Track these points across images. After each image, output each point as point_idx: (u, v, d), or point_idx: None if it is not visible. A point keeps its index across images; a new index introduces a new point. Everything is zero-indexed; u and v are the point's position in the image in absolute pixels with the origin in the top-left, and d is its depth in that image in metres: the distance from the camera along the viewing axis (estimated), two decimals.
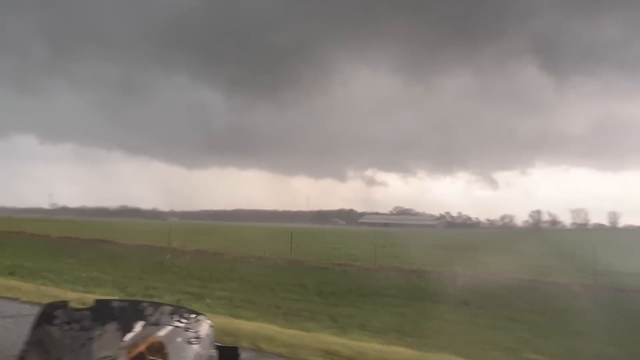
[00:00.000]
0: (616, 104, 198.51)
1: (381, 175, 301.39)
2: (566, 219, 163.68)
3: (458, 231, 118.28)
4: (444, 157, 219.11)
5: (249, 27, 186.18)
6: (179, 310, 1.22)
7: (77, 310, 1.16)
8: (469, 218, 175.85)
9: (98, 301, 1.19)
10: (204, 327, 1.22)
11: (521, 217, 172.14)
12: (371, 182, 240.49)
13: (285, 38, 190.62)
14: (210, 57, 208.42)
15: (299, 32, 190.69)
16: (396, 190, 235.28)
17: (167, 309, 1.21)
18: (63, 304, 1.17)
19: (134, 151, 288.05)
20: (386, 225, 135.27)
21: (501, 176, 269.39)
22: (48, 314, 1.14)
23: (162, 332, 1.16)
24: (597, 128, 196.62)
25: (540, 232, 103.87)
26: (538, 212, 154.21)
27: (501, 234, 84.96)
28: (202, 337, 1.19)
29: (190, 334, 1.18)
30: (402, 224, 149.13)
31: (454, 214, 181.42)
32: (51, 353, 1.07)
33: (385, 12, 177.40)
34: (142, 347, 1.10)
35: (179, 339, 1.17)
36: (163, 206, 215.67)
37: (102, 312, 1.15)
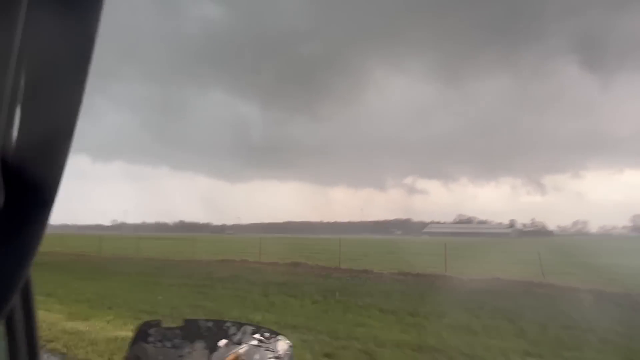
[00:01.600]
0: None
1: (422, 183, 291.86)
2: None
3: (536, 239, 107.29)
4: (487, 162, 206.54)
5: (280, 39, 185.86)
6: (259, 330, 1.27)
7: (169, 329, 1.24)
8: (543, 226, 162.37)
9: (187, 321, 1.28)
10: (283, 347, 1.25)
11: (595, 222, 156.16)
12: (412, 190, 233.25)
13: (317, 49, 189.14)
14: (243, 71, 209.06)
15: (331, 43, 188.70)
16: (437, 197, 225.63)
17: (249, 328, 1.27)
18: (156, 323, 1.26)
19: (179, 167, 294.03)
20: (453, 234, 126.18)
21: (550, 180, 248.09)
22: (143, 332, 1.23)
23: (244, 350, 1.20)
24: None
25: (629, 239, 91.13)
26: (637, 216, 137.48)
27: (593, 242, 73.64)
28: (281, 356, 1.23)
29: (269, 353, 1.23)
30: (471, 232, 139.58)
31: (524, 220, 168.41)
32: None
33: (418, 19, 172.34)
34: None
35: (259, 357, 1.21)
36: (215, 220, 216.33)
37: (191, 331, 1.24)
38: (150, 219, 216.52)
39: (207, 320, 1.30)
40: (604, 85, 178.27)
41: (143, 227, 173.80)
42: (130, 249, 33.00)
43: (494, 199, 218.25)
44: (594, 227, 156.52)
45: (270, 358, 1.22)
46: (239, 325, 1.28)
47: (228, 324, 1.28)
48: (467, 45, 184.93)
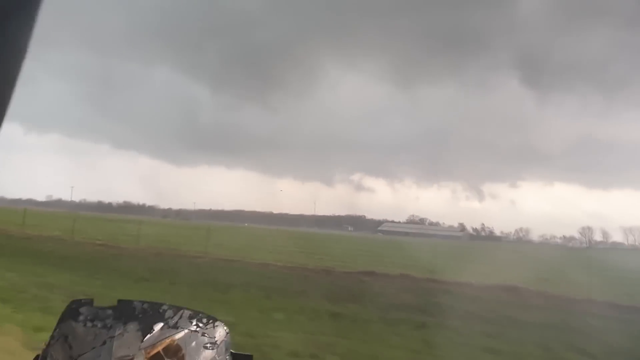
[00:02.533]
0: (595, 123, 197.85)
1: (368, 181, 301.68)
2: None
3: (488, 244, 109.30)
4: (431, 166, 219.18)
5: (233, 23, 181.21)
6: (197, 315, 1.23)
7: (101, 308, 1.17)
8: (491, 231, 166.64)
9: (121, 301, 1.20)
10: (220, 333, 1.22)
11: (536, 231, 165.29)
12: (358, 187, 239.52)
13: (271, 38, 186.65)
14: (193, 51, 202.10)
15: (285, 34, 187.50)
16: (383, 196, 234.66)
17: (187, 313, 1.22)
18: (88, 302, 1.19)
19: (121, 145, 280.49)
20: (406, 234, 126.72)
21: (488, 187, 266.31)
22: (74, 310, 1.16)
23: (180, 335, 1.16)
24: (579, 145, 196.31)
25: (575, 250, 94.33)
26: (589, 228, 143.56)
27: (548, 250, 75.40)
28: (217, 342, 1.20)
29: (206, 338, 1.19)
30: (424, 234, 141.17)
31: (474, 225, 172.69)
32: (73, 348, 1.09)
33: (372, 21, 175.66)
34: (159, 348, 1.11)
35: (195, 343, 1.17)
36: (161, 204, 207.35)
37: (124, 312, 1.17)
38: (92, 197, 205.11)
39: (143, 302, 1.22)
40: (539, 103, 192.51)
41: (83, 205, 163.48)
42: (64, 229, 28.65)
43: (435, 202, 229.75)
44: (534, 236, 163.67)
45: (206, 344, 1.18)
46: (177, 309, 1.22)
47: (165, 307, 1.21)
48: (418, 51, 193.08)
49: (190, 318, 1.20)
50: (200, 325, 1.20)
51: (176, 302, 1.24)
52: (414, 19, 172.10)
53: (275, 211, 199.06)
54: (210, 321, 1.23)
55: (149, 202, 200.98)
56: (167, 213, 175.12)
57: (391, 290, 14.97)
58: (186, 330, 1.17)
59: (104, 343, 1.09)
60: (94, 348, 1.08)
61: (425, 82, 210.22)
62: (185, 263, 19.21)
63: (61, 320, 1.15)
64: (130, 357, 1.07)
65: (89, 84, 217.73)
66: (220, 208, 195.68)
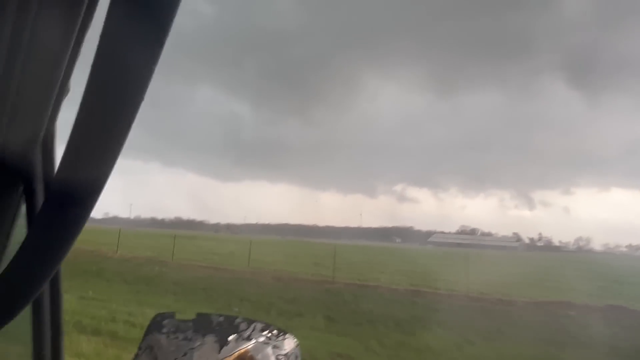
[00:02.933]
0: None
1: (412, 191, 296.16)
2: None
3: (548, 255, 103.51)
4: (477, 173, 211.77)
5: (270, 39, 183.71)
6: (268, 327, 1.26)
7: (182, 321, 1.23)
8: (549, 241, 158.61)
9: (199, 314, 1.26)
10: (291, 345, 1.25)
11: (597, 239, 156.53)
12: (402, 197, 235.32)
13: (308, 52, 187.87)
14: (233, 69, 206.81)
15: (321, 47, 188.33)
16: (427, 206, 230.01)
17: (259, 325, 1.25)
18: (170, 315, 1.25)
19: (170, 163, 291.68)
20: (459, 245, 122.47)
21: (538, 195, 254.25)
22: (157, 323, 1.22)
23: (252, 346, 1.20)
24: (636, 148, 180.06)
25: None
26: None
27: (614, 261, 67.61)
28: (288, 354, 1.23)
29: (277, 350, 1.22)
30: (477, 244, 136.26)
31: (531, 235, 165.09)
32: (159, 359, 1.16)
33: (408, 28, 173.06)
34: (233, 358, 1.17)
35: (267, 354, 1.21)
36: (210, 219, 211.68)
37: (202, 325, 1.22)
38: (145, 214, 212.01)
39: (219, 315, 1.27)
40: (590, 104, 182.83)
41: (138, 221, 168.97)
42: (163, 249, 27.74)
43: (483, 211, 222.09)
44: (597, 245, 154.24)
45: (277, 355, 1.21)
46: (249, 322, 1.25)
47: (239, 320, 1.26)
48: (457, 58, 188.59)
49: (262, 330, 1.25)
50: (271, 337, 1.24)
51: None
52: (452, 24, 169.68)
53: (320, 224, 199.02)
54: (281, 333, 1.26)
55: (198, 217, 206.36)
56: (218, 228, 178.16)
57: None
58: (258, 342, 1.22)
59: (185, 354, 1.16)
60: (176, 359, 1.15)
61: (467, 88, 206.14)
62: (319, 290, 17.23)
63: (147, 332, 1.20)
64: None
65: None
66: (266, 222, 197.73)
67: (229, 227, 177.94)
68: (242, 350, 1.18)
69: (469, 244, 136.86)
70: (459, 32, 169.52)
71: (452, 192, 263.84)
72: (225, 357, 1.16)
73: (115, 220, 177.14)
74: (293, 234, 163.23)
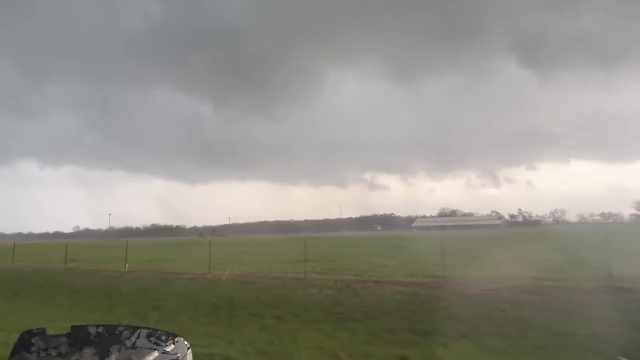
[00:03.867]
0: (598, 96, 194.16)
1: (381, 178, 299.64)
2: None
3: (528, 230, 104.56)
4: (443, 156, 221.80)
5: (224, 36, 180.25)
6: (155, 333, 1.20)
7: (54, 336, 1.13)
8: (530, 215, 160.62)
9: (74, 327, 1.17)
10: (182, 349, 1.18)
11: (572, 211, 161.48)
12: (372, 185, 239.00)
13: (263, 48, 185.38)
14: (186, 68, 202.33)
15: (277, 42, 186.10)
16: (400, 192, 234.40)
17: (144, 332, 1.19)
18: (40, 331, 1.14)
19: (134, 170, 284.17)
20: (442, 228, 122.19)
21: (503, 172, 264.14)
22: (25, 342, 1.12)
23: (139, 356, 1.12)
24: (588, 121, 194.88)
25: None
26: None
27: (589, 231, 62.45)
28: (179, 358, 1.17)
29: (168, 356, 1.16)
30: (460, 225, 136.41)
31: (511, 212, 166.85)
32: None
33: (361, 18, 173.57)
34: None
35: None
36: (186, 223, 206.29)
37: (79, 338, 1.13)
38: (118, 224, 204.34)
39: (97, 326, 1.19)
40: (541, 82, 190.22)
41: (112, 232, 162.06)
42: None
43: (453, 192, 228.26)
44: (572, 216, 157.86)
45: None
46: (133, 329, 1.18)
47: (121, 328, 1.19)
48: (413, 44, 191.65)
49: (148, 336, 1.17)
50: (160, 342, 1.17)
51: None
52: (404, 11, 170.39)
53: (296, 218, 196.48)
54: (170, 338, 1.19)
55: (174, 222, 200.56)
56: (203, 231, 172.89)
57: None
58: (145, 349, 1.13)
59: None
60: None
61: (424, 74, 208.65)
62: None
63: (12, 354, 1.09)
64: None
65: (92, 113, 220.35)
66: (244, 221, 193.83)
67: (215, 230, 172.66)
68: None
69: (453, 225, 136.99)
70: (412, 18, 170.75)
71: (421, 176, 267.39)
72: None
73: (87, 233, 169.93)
74: (274, 230, 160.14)
